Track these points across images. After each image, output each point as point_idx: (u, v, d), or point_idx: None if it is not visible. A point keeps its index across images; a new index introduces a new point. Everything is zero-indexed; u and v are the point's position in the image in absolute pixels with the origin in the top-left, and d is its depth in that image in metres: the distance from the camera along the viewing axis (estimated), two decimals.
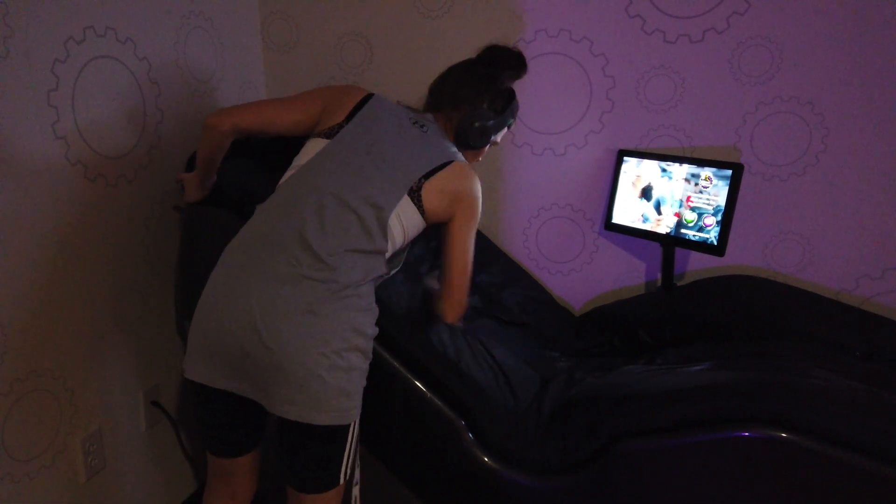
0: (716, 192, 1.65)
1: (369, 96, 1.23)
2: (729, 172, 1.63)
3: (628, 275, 1.95)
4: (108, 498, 1.46)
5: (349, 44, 1.98)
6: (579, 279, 1.99)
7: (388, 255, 1.14)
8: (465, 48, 1.87)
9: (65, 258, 1.29)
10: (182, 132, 1.62)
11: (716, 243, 1.64)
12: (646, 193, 1.79)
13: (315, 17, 1.98)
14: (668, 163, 1.74)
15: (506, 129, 1.34)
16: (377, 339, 1.32)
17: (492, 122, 1.27)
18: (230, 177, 1.44)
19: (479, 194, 1.22)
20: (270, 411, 1.05)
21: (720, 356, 1.40)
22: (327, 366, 1.02)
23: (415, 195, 1.14)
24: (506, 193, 1.97)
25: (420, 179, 1.15)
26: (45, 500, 1.29)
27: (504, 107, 1.29)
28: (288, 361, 1.01)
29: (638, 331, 1.70)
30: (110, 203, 1.40)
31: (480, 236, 1.97)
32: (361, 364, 1.08)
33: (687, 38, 1.73)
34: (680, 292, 1.80)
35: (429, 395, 1.30)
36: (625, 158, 1.83)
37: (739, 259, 1.83)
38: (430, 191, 1.15)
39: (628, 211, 1.82)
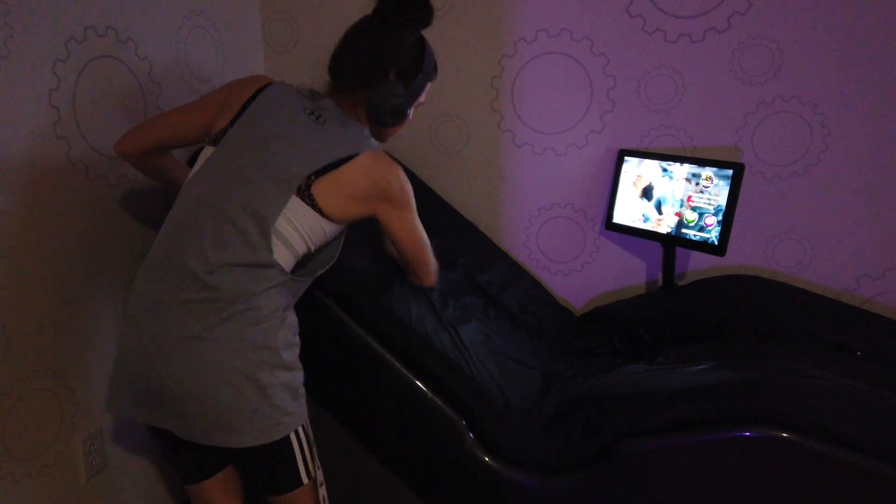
0: (717, 191, 1.65)
1: (265, 86, 1.11)
2: (730, 172, 1.63)
3: (629, 274, 1.95)
4: (108, 497, 1.46)
5: None
6: (580, 279, 1.99)
7: (290, 262, 1.04)
8: (467, 47, 1.88)
9: (66, 257, 1.29)
10: None
11: (716, 243, 1.64)
12: (647, 193, 1.79)
13: (315, 17, 1.98)
14: (669, 162, 1.74)
15: (427, 86, 1.19)
16: (377, 339, 1.32)
17: (404, 96, 1.12)
18: None
19: (398, 182, 1.09)
20: (188, 439, 1.01)
21: (721, 356, 1.40)
22: (229, 391, 0.97)
23: (305, 195, 1.02)
24: (506, 193, 1.97)
25: (309, 177, 1.02)
26: (46, 500, 1.29)
27: (415, 72, 1.13)
28: (186, 393, 0.98)
29: (639, 331, 1.70)
30: (111, 203, 1.40)
31: (481, 236, 1.97)
32: (275, 379, 1.01)
33: (688, 37, 1.73)
34: (681, 292, 1.80)
35: (430, 394, 1.30)
36: (626, 158, 1.83)
37: (740, 259, 1.83)
38: (323, 189, 1.03)
39: (629, 211, 1.82)
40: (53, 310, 1.27)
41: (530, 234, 1.99)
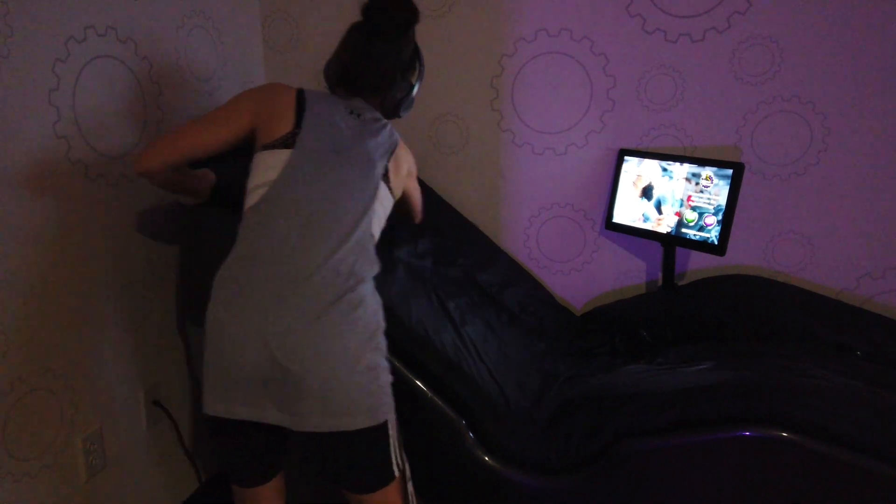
0: (716, 191, 1.65)
1: (301, 93, 1.19)
2: (730, 172, 1.63)
3: (629, 274, 1.95)
4: (108, 497, 1.46)
5: None
6: (580, 279, 1.99)
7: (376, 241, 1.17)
8: (467, 47, 1.88)
9: (66, 257, 1.29)
10: None
11: (716, 243, 1.64)
12: (646, 193, 1.78)
13: (315, 16, 1.98)
14: (669, 162, 1.74)
15: (418, 86, 1.34)
16: None
17: (413, 88, 1.30)
18: (226, 177, 1.44)
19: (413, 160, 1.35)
20: (299, 430, 1.04)
21: (721, 356, 1.40)
22: (346, 371, 1.02)
23: (385, 179, 1.18)
24: (506, 193, 1.97)
25: (385, 165, 1.19)
26: (46, 499, 1.29)
27: (414, 68, 1.30)
28: (306, 375, 1.00)
29: (639, 331, 1.70)
30: (111, 202, 1.40)
31: (481, 235, 1.97)
32: (381, 361, 1.08)
33: (688, 37, 1.73)
34: (681, 292, 1.80)
35: (430, 394, 1.30)
36: (625, 158, 1.82)
37: (740, 258, 1.83)
38: (392, 173, 1.21)
39: (629, 210, 1.82)
40: (53, 310, 1.27)
41: (530, 234, 1.99)
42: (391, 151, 1.22)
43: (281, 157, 1.11)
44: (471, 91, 1.92)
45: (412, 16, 1.21)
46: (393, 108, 1.28)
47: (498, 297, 1.78)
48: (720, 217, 1.64)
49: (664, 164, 1.75)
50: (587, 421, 1.26)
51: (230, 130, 1.17)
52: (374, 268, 1.12)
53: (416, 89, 1.31)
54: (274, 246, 1.06)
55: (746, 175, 1.71)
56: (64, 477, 1.33)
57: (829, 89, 1.67)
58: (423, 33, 1.90)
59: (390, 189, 1.20)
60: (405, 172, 1.27)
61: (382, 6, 1.19)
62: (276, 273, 1.04)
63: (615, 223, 1.85)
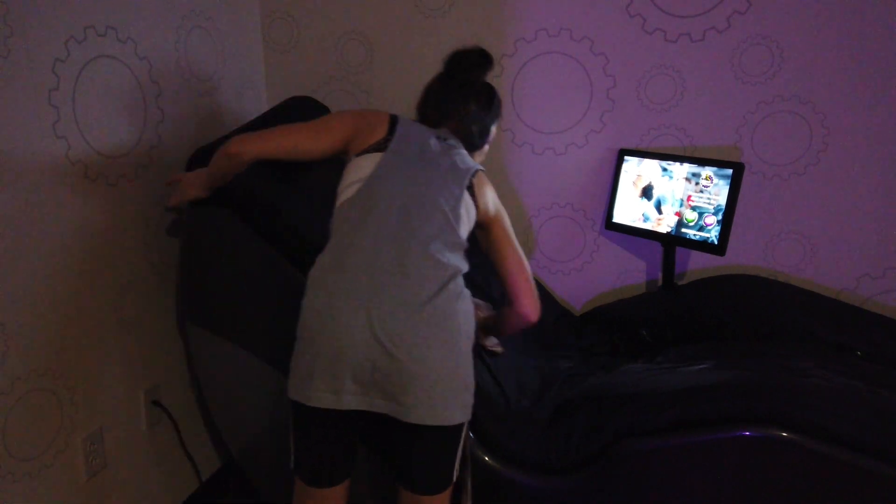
0: (716, 191, 1.65)
1: (393, 115, 1.28)
2: (730, 172, 1.63)
3: (629, 274, 1.95)
4: (108, 497, 1.46)
5: (349, 43, 1.98)
6: (580, 279, 1.99)
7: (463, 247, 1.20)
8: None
9: (65, 257, 1.29)
10: (183, 132, 1.62)
11: (716, 243, 1.64)
12: (646, 193, 1.79)
13: (315, 16, 1.98)
14: (669, 162, 1.74)
15: (495, 126, 1.39)
16: None
17: (486, 120, 1.34)
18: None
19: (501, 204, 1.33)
20: (406, 420, 1.04)
21: (721, 356, 1.40)
22: (452, 363, 1.04)
23: (471, 190, 1.22)
24: (506, 193, 1.97)
25: (470, 178, 1.22)
26: (46, 499, 1.29)
27: (489, 103, 1.34)
28: (412, 364, 1.02)
29: (639, 330, 1.70)
30: (111, 202, 1.40)
31: None
32: (471, 356, 1.10)
33: (687, 37, 1.73)
34: (681, 292, 1.80)
35: None
36: (625, 158, 1.82)
37: (740, 258, 1.83)
38: (478, 185, 1.24)
39: (629, 210, 1.82)
40: (53, 309, 1.27)
41: (530, 234, 1.99)
42: (474, 172, 1.25)
43: (374, 158, 1.19)
44: None
45: (487, 62, 1.33)
46: (467, 133, 1.33)
47: (498, 298, 1.77)
48: (720, 217, 1.64)
49: (664, 163, 1.75)
50: (587, 421, 1.26)
51: (330, 140, 1.24)
52: (465, 266, 1.15)
53: (490, 124, 1.36)
54: (372, 234, 1.10)
55: (746, 175, 1.71)
56: (64, 477, 1.33)
57: (829, 89, 1.67)
58: (423, 33, 1.91)
59: (474, 198, 1.22)
60: (491, 202, 1.28)
61: (459, 57, 1.33)
62: (377, 261, 1.07)
63: (615, 223, 1.85)
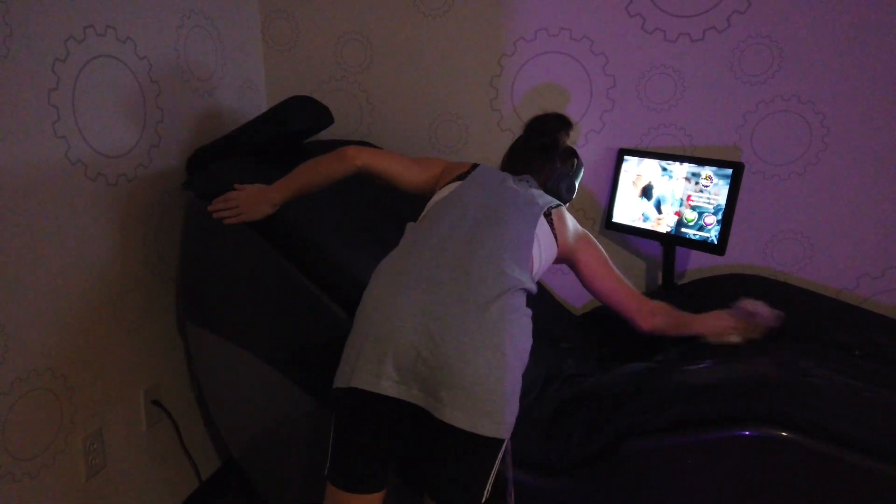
0: (716, 190, 1.65)
1: (477, 164, 1.38)
2: (729, 171, 1.63)
3: (629, 274, 1.95)
4: (108, 497, 1.46)
5: (349, 43, 1.98)
6: None
7: (530, 276, 1.18)
8: (467, 47, 1.88)
9: (65, 257, 1.29)
10: (182, 131, 1.62)
11: (716, 242, 1.64)
12: (646, 192, 1.79)
13: (315, 16, 1.98)
14: (669, 162, 1.74)
15: (578, 182, 1.50)
16: None
17: (572, 177, 1.46)
18: (226, 176, 1.44)
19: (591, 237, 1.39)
20: (440, 418, 1.01)
21: (721, 355, 1.40)
22: (498, 373, 1.01)
23: (549, 219, 1.28)
24: None
25: (549, 208, 1.29)
26: (46, 499, 1.29)
27: (573, 161, 1.48)
28: (459, 362, 1.00)
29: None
30: (110, 202, 1.40)
31: None
32: (520, 374, 1.07)
33: (687, 36, 1.73)
34: (680, 291, 1.80)
35: None
36: (625, 157, 1.82)
37: (740, 258, 1.83)
38: (557, 218, 1.30)
39: (629, 210, 1.82)
40: (53, 309, 1.27)
41: None
42: (555, 205, 1.32)
43: (452, 186, 1.30)
44: (470, 91, 1.92)
45: (567, 124, 1.46)
46: (554, 186, 1.43)
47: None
48: (720, 216, 1.64)
49: (664, 163, 1.75)
50: (587, 421, 1.26)
51: (423, 176, 1.38)
52: (531, 284, 1.14)
53: (574, 180, 1.48)
54: (443, 235, 1.14)
55: (746, 175, 1.71)
56: (64, 476, 1.33)
57: (829, 88, 1.67)
58: (423, 33, 1.91)
59: (553, 231, 1.28)
60: (573, 234, 1.34)
61: (539, 121, 1.47)
62: (441, 259, 1.09)
63: (615, 223, 1.85)
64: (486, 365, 1.00)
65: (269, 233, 1.36)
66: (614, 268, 1.37)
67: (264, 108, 2.06)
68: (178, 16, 1.57)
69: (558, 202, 1.35)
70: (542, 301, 1.91)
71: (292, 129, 1.59)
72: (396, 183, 1.38)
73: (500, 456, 1.06)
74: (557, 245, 1.30)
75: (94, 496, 1.42)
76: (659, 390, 1.24)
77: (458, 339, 1.01)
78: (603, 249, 1.38)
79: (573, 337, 1.81)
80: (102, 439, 1.42)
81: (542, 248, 1.25)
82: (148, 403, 1.56)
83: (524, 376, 1.10)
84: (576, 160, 1.49)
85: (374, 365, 1.04)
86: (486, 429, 1.01)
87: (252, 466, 1.58)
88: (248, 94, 1.96)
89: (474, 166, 1.35)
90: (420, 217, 1.26)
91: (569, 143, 1.50)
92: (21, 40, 1.14)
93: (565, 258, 1.36)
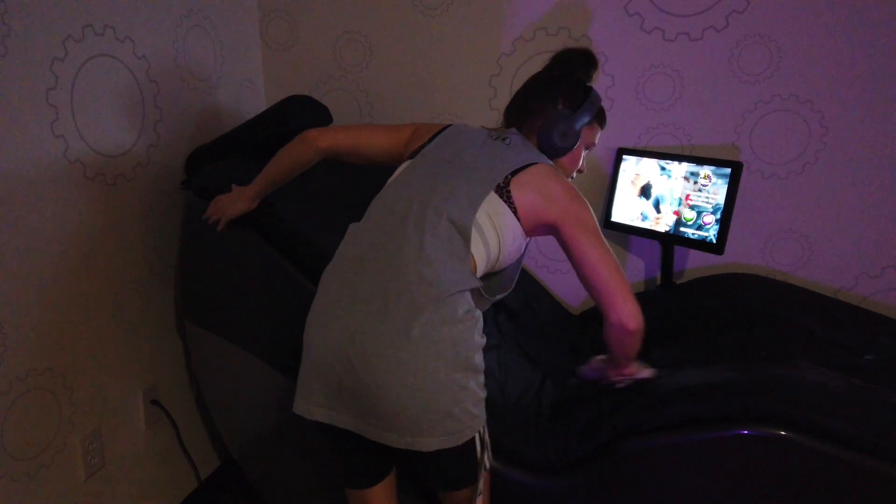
0: (715, 190, 1.65)
1: (453, 124, 1.25)
2: (728, 170, 1.63)
3: (627, 273, 1.95)
4: (107, 497, 1.46)
5: (349, 42, 1.98)
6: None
7: (482, 264, 1.09)
8: (465, 46, 1.88)
9: (64, 257, 1.29)
10: (181, 131, 1.62)
11: (715, 241, 1.65)
12: (645, 192, 1.79)
13: (315, 15, 1.98)
14: (668, 161, 1.74)
15: (598, 129, 1.28)
16: None
17: (572, 118, 1.18)
18: (224, 175, 1.44)
19: (577, 196, 1.13)
20: (373, 440, 1.00)
21: (719, 354, 1.40)
22: (426, 393, 0.96)
23: (503, 192, 1.09)
24: None
25: (507, 176, 1.10)
26: (45, 499, 1.29)
27: (581, 101, 1.20)
28: (384, 393, 0.96)
29: None
30: (109, 202, 1.40)
31: None
32: (470, 381, 1.00)
33: (686, 36, 1.73)
34: (679, 290, 1.80)
35: None
36: (624, 157, 1.83)
37: (738, 257, 1.83)
38: (517, 186, 1.09)
39: (627, 209, 1.82)
40: (51, 309, 1.27)
41: None
42: (520, 168, 1.12)
43: (404, 166, 1.19)
44: (469, 90, 1.92)
45: (590, 61, 1.25)
46: (545, 134, 1.19)
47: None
48: (718, 216, 1.64)
49: (663, 162, 1.75)
50: (586, 419, 1.26)
51: (390, 141, 1.25)
52: (470, 281, 1.04)
53: (576, 123, 1.19)
54: (364, 240, 1.07)
55: (745, 174, 1.71)
56: (63, 476, 1.33)
57: (828, 88, 1.67)
58: (422, 32, 1.91)
59: (510, 204, 1.09)
60: (546, 199, 1.11)
61: (562, 55, 1.26)
62: (360, 270, 1.03)
63: (613, 222, 1.85)
64: (408, 395, 0.95)
65: (269, 233, 1.36)
66: (605, 247, 1.15)
67: (263, 107, 2.06)
68: (176, 15, 1.57)
69: (531, 162, 1.13)
70: (540, 299, 1.91)
71: (291, 128, 1.59)
72: (366, 156, 1.26)
73: (476, 446, 1.05)
74: (520, 221, 1.10)
75: (93, 496, 1.42)
76: (658, 389, 1.24)
77: (375, 366, 0.96)
78: (595, 218, 1.17)
79: (572, 336, 1.81)
80: (101, 439, 1.42)
81: (498, 232, 1.09)
82: (147, 403, 1.56)
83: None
84: (586, 102, 1.20)
85: (307, 389, 1.04)
86: (427, 444, 0.97)
87: (251, 466, 1.58)
88: (246, 94, 1.95)
89: (445, 128, 1.21)
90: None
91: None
92: (19, 40, 1.14)
93: (547, 231, 1.15)
